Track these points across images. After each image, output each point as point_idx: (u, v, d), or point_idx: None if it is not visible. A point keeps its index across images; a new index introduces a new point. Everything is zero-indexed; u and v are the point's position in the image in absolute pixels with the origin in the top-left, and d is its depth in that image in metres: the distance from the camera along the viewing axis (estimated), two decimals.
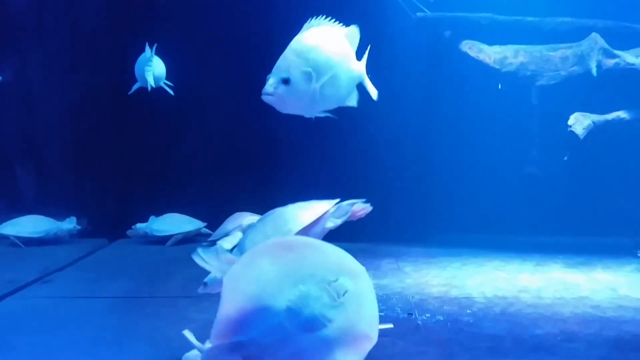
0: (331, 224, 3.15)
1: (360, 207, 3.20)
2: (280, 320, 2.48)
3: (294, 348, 2.48)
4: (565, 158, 6.11)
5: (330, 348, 2.50)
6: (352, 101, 3.55)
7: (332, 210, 3.15)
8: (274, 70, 3.21)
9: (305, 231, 3.08)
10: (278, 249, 2.61)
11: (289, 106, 3.31)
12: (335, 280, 2.55)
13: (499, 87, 6.33)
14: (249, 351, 2.48)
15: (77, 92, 6.66)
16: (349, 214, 3.17)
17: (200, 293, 3.23)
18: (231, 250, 3.16)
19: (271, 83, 3.18)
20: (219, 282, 3.12)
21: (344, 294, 2.54)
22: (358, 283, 2.60)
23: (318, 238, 3.05)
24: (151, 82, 5.29)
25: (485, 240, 6.21)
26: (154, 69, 5.35)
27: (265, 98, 3.20)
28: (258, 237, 3.12)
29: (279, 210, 3.23)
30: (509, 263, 5.52)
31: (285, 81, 3.18)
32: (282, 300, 2.49)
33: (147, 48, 5.30)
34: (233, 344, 2.48)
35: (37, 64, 6.76)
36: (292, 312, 2.48)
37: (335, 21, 3.41)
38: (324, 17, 3.38)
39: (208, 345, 2.66)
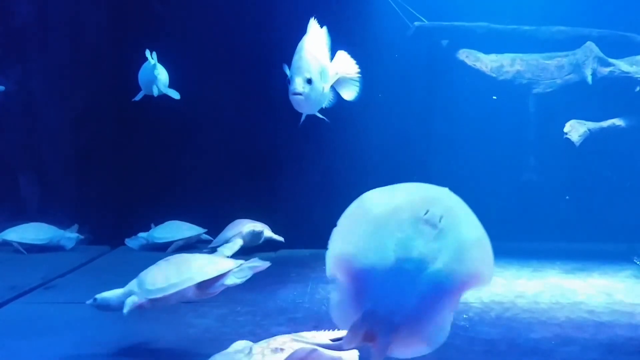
0: (230, 281, 3.41)
1: (260, 266, 3.47)
2: (394, 274, 2.47)
3: (418, 294, 2.47)
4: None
5: (452, 275, 2.49)
6: (327, 102, 3.65)
7: (235, 269, 3.41)
8: (295, 70, 3.24)
9: (207, 283, 3.35)
10: (359, 214, 2.59)
11: (308, 106, 3.38)
12: (426, 213, 2.53)
13: (494, 98, 6.39)
14: (379, 316, 2.48)
15: (79, 101, 6.72)
16: (249, 275, 3.44)
17: (87, 304, 3.47)
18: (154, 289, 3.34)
19: (299, 83, 3.22)
20: (108, 303, 3.40)
21: (440, 221, 2.52)
22: (447, 205, 2.57)
23: (216, 291, 3.38)
24: (156, 91, 5.31)
25: None
26: (158, 77, 5.36)
27: (295, 98, 3.24)
28: (159, 276, 3.35)
29: (186, 256, 3.49)
30: (506, 269, 5.54)
31: (309, 81, 3.24)
32: (387, 256, 2.48)
33: (150, 56, 5.31)
34: (364, 316, 2.48)
35: (39, 72, 6.83)
36: (402, 260, 2.47)
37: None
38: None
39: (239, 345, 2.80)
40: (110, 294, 3.43)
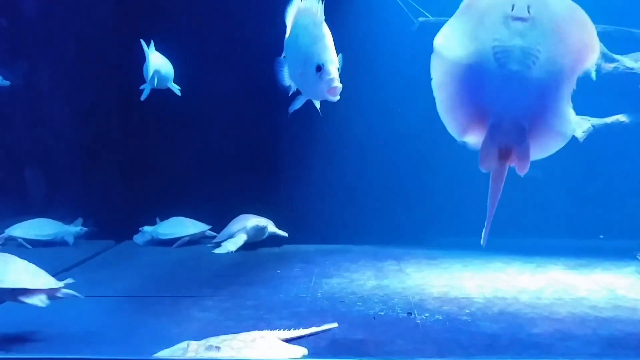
0: (35, 301, 3.52)
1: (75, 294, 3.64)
2: (505, 78, 2.45)
3: (535, 90, 2.46)
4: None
5: (560, 56, 2.48)
6: None
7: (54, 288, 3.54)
8: (331, 59, 3.22)
9: (21, 290, 3.46)
10: (456, 23, 2.60)
11: None
12: (512, 9, 2.45)
13: None
14: (507, 125, 2.50)
15: (85, 96, 6.75)
16: (61, 297, 3.60)
17: None
18: None
19: (337, 74, 3.23)
20: None
21: (529, 10, 2.46)
22: None
23: (28, 301, 3.48)
24: (150, 77, 5.31)
25: (487, 243, 6.22)
26: (161, 70, 5.36)
27: (339, 89, 3.25)
28: None
29: (13, 258, 3.58)
30: (509, 265, 5.57)
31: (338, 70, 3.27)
32: (491, 64, 2.46)
33: (148, 45, 5.30)
34: (491, 131, 2.54)
35: (45, 67, 6.86)
36: (507, 64, 2.44)
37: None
38: None
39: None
40: None
